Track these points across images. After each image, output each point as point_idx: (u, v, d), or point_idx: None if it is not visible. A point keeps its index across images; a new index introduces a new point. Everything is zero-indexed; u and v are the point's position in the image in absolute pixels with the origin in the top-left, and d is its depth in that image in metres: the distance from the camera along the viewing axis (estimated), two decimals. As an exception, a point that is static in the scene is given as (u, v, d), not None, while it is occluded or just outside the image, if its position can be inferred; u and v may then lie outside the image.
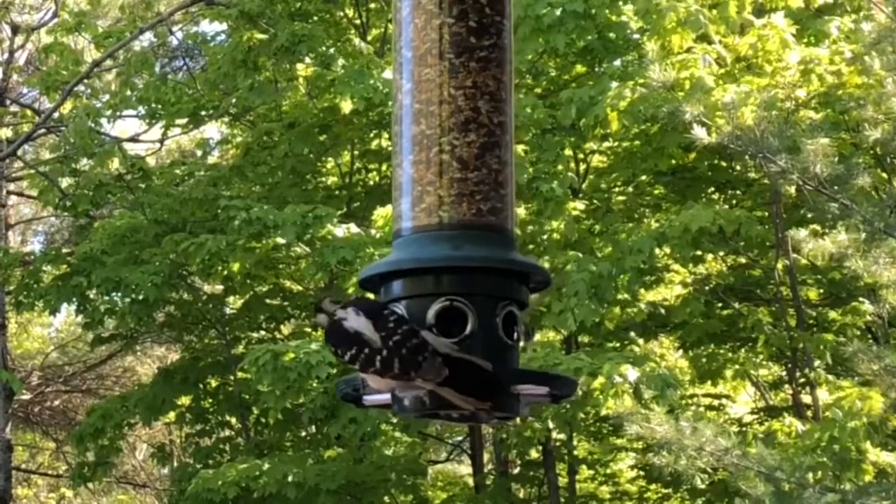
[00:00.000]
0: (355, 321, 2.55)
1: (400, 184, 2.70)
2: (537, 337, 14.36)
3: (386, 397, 2.59)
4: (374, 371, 2.52)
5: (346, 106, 13.55)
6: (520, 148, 12.84)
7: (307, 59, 14.55)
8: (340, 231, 13.11)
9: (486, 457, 16.46)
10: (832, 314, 14.53)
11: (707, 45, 12.79)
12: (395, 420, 13.38)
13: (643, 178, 14.84)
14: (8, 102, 19.47)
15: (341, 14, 15.97)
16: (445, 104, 2.65)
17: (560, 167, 12.89)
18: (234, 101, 15.05)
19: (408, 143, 2.69)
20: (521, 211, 12.68)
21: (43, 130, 17.71)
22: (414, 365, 2.48)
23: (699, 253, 13.62)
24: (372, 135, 15.55)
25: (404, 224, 2.67)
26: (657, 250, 12.59)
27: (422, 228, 2.63)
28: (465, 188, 2.62)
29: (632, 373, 11.40)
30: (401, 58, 2.77)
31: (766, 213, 14.02)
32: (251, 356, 12.52)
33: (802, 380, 13.88)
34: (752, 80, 12.06)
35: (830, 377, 13.53)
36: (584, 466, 16.51)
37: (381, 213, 13.05)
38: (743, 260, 14.84)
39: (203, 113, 15.66)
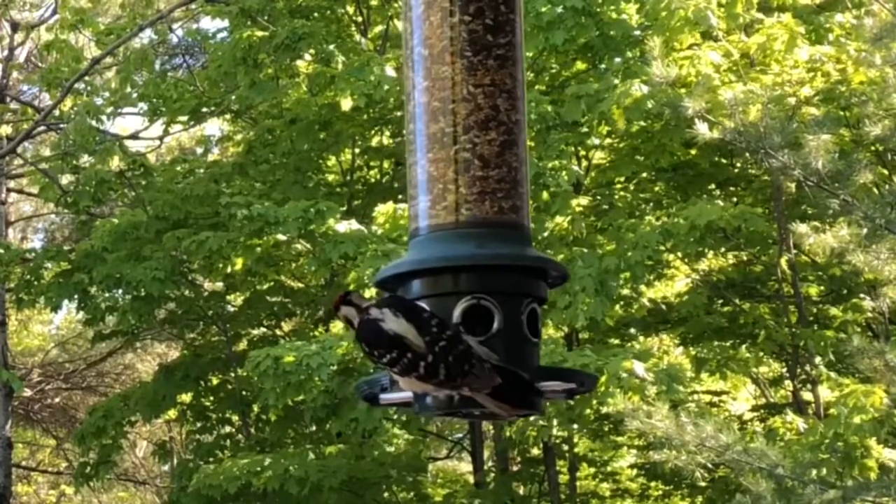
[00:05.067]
0: (395, 323, 2.50)
1: (417, 182, 2.69)
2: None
3: (407, 395, 2.58)
4: (416, 376, 2.49)
5: (346, 103, 13.55)
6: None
7: (308, 56, 14.55)
8: (342, 226, 13.11)
9: (486, 454, 16.46)
10: (833, 311, 14.54)
11: (713, 42, 12.80)
12: (395, 417, 13.39)
13: (644, 174, 14.86)
14: (8, 100, 19.45)
15: (342, 11, 15.96)
16: (465, 102, 2.66)
17: (563, 163, 12.90)
18: (234, 98, 15.05)
19: (426, 141, 2.69)
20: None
21: (43, 127, 17.71)
22: (460, 373, 2.45)
23: (700, 249, 13.64)
24: (373, 132, 15.55)
25: (422, 223, 2.67)
26: (661, 246, 12.62)
27: (442, 227, 2.63)
28: (487, 186, 2.63)
29: (639, 367, 11.43)
30: (414, 55, 2.76)
31: (767, 210, 14.03)
32: (252, 360, 12.52)
33: (803, 377, 13.90)
34: (757, 76, 12.08)
35: (832, 374, 13.55)
36: (584, 464, 16.50)
37: (382, 211, 13.05)
38: (744, 256, 14.85)
39: (204, 110, 15.66)
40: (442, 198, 2.64)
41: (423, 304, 2.57)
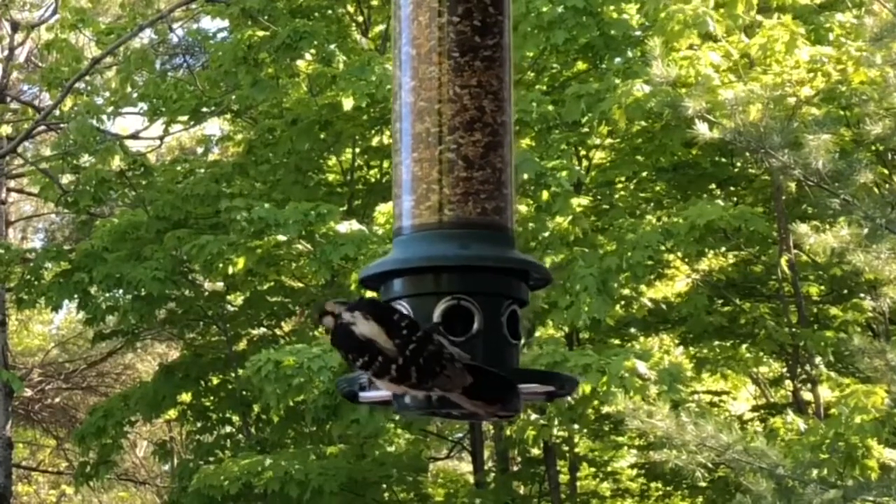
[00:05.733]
0: (366, 327, 2.48)
1: (402, 182, 2.69)
2: (536, 334, 14.36)
3: (385, 394, 2.58)
4: (389, 379, 2.47)
5: (348, 103, 13.55)
6: (524, 143, 12.84)
7: (308, 56, 14.55)
8: (343, 227, 13.11)
9: (486, 454, 16.45)
10: (833, 311, 14.54)
11: (713, 42, 12.80)
12: (396, 417, 13.38)
13: (644, 174, 14.86)
14: (8, 100, 19.46)
15: (342, 11, 15.96)
16: (450, 102, 2.65)
17: (564, 162, 12.90)
18: (235, 97, 15.05)
19: (411, 141, 2.68)
20: (521, 207, 12.69)
21: (43, 127, 17.71)
22: (432, 374, 2.43)
23: (700, 249, 13.64)
24: (373, 131, 15.55)
25: (405, 222, 2.67)
26: (661, 246, 12.61)
27: (425, 227, 2.63)
28: (471, 187, 2.63)
29: (641, 367, 11.42)
30: (402, 55, 2.76)
31: (767, 210, 14.03)
32: (252, 364, 12.51)
33: (803, 376, 13.89)
34: (758, 76, 12.08)
35: (832, 374, 13.54)
36: (585, 463, 16.49)
37: (382, 210, 13.05)
38: (744, 256, 14.85)
39: (204, 110, 15.66)
40: (426, 198, 2.63)
41: (398, 305, 2.57)
